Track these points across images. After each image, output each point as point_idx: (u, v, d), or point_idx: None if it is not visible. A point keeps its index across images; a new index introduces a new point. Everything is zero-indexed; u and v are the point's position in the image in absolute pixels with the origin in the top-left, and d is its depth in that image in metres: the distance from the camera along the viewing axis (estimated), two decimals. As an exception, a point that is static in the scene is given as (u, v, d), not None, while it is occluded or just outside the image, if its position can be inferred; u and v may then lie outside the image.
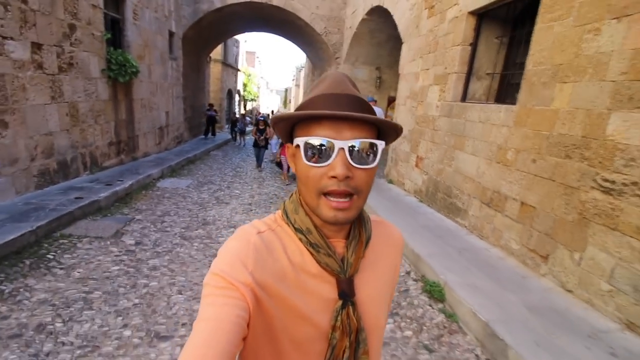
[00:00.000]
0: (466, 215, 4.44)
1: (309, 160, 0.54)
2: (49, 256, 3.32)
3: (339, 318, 0.58)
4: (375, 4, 8.60)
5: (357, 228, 0.64)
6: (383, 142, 0.57)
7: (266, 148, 9.06)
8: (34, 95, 4.55)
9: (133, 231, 4.14)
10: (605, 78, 2.66)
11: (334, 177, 0.53)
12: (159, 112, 8.93)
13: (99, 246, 3.64)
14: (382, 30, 10.15)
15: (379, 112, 8.46)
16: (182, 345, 2.27)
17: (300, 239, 0.60)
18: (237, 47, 23.87)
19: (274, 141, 9.63)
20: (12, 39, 4.17)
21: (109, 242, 3.76)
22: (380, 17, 9.03)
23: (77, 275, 3.04)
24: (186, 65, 11.06)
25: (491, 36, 4.68)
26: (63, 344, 2.22)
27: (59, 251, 3.44)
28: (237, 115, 18.58)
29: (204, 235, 4.21)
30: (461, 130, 4.62)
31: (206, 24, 11.44)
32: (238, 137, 14.69)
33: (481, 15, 4.58)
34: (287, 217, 0.62)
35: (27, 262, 3.16)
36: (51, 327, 2.37)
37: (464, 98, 4.86)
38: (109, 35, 6.20)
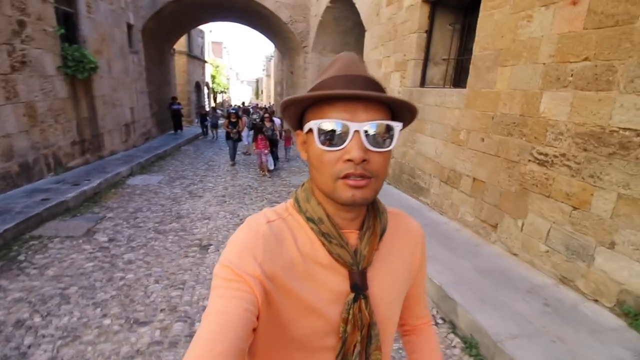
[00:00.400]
0: (428, 194, 4.75)
1: (322, 144, 0.53)
2: (19, 258, 3.31)
3: (350, 311, 0.57)
4: (338, -8, 8.68)
5: (372, 219, 0.62)
6: (400, 124, 0.55)
7: (240, 140, 8.98)
8: (-13, 96, 4.38)
9: (105, 229, 4.15)
10: (537, 61, 2.95)
11: (349, 160, 0.51)
12: (123, 109, 8.69)
13: (71, 245, 3.65)
14: (348, 17, 10.25)
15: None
16: (161, 329, 2.42)
17: (311, 229, 0.59)
18: (203, 37, 23.18)
19: (245, 133, 9.63)
20: (-43, 37, 3.99)
21: (81, 241, 3.77)
22: (345, 4, 9.11)
23: (51, 273, 3.08)
24: (148, 59, 10.72)
25: (445, 23, 4.93)
26: (43, 336, 2.30)
27: (29, 252, 3.43)
28: (207, 109, 18.25)
29: (178, 228, 4.29)
30: (420, 114, 4.89)
31: (167, 14, 11.09)
32: (210, 131, 14.44)
33: (434, 3, 4.82)
34: (299, 205, 0.61)
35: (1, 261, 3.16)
36: (30, 322, 2.43)
37: (422, 83, 5.12)
38: (62, 31, 5.95)
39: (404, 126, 0.59)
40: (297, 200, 0.62)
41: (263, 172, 7.59)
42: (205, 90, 25.55)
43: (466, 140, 3.90)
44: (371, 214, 0.62)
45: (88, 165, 6.71)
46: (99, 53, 7.20)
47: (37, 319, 2.47)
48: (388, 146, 0.54)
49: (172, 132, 13.47)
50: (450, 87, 4.52)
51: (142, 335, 2.34)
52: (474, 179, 3.78)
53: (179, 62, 17.68)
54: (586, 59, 2.54)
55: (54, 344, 2.24)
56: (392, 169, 5.93)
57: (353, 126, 0.51)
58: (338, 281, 0.58)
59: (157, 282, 3.02)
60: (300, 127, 0.61)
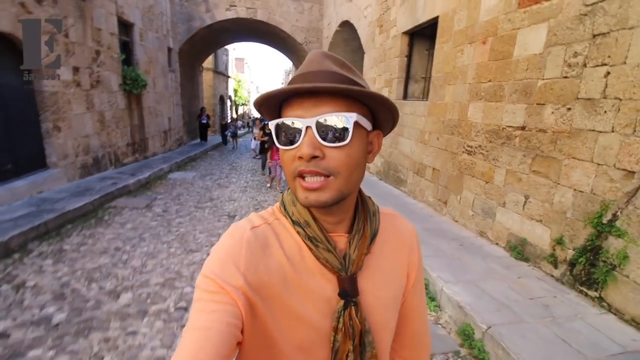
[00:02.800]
0: (406, 184, 5.96)
1: (281, 144, 0.52)
2: (105, 218, 4.76)
3: (340, 319, 0.55)
4: (344, 19, 10.14)
5: (361, 221, 0.60)
6: (354, 114, 0.50)
7: None
8: (76, 107, 5.97)
9: (159, 204, 5.58)
10: (466, 82, 4.19)
11: (301, 157, 0.49)
12: (163, 118, 10.34)
13: (138, 213, 5.08)
14: (355, 39, 11.62)
15: None
16: (207, 254, 3.74)
17: (298, 233, 0.57)
18: (227, 55, 25.29)
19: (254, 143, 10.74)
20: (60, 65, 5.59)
21: (144, 210, 5.20)
22: (351, 28, 10.51)
23: (129, 226, 4.49)
24: (182, 76, 12.46)
25: (422, 49, 6.20)
26: (133, 256, 3.66)
27: (111, 215, 4.88)
28: (229, 120, 19.96)
29: (211, 206, 5.67)
30: (401, 121, 6.14)
31: (198, 38, 12.87)
32: (231, 140, 15.75)
33: (412, 34, 6.11)
34: (285, 209, 0.59)
35: (93, 221, 4.60)
36: (123, 249, 3.81)
37: (404, 97, 6.38)
38: (123, 56, 7.62)
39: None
40: (283, 203, 0.61)
41: (270, 183, 7.32)
42: (228, 103, 27.54)
43: (429, 139, 5.12)
44: (361, 216, 0.60)
45: (137, 162, 8.28)
46: (147, 72, 8.86)
47: (127, 247, 3.85)
48: (343, 140, 0.50)
49: (198, 141, 14.83)
50: (420, 100, 5.76)
51: (195, 256, 3.68)
52: (433, 169, 4.98)
53: (206, 78, 19.60)
54: (490, 80, 3.76)
55: (141, 259, 3.60)
56: (383, 167, 7.16)
57: (304, 122, 0.49)
58: (327, 288, 0.56)
59: (201, 233, 4.38)
60: None
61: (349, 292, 0.56)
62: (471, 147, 4.10)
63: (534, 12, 3.15)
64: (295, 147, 0.51)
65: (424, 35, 6.07)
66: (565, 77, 2.84)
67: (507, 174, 3.52)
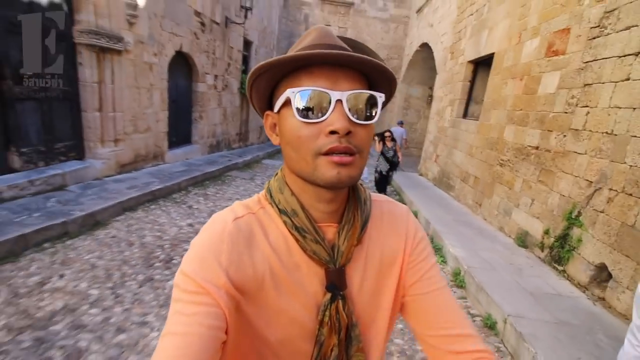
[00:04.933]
0: (454, 189, 7.04)
1: (302, 116, 0.48)
2: (227, 181, 6.89)
3: (326, 313, 0.54)
4: (424, 41, 11.33)
5: (352, 211, 0.58)
6: (382, 95, 0.51)
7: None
8: (212, 103, 8.35)
9: (258, 179, 7.61)
10: (506, 108, 5.25)
11: (333, 132, 0.47)
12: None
13: (246, 181, 7.14)
14: (432, 58, 12.69)
15: (402, 132, 9.22)
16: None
17: (284, 222, 0.55)
18: (316, 63, 27.84)
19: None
20: (208, 74, 7.98)
21: (249, 180, 7.25)
22: (429, 49, 11.64)
23: (242, 188, 6.52)
24: (280, 82, 14.86)
25: (484, 75, 7.21)
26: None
27: (229, 180, 7.01)
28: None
29: (295, 185, 7.50)
30: (457, 136, 7.24)
31: (297, 51, 15.19)
32: None
33: (477, 63, 7.17)
34: (271, 197, 0.58)
35: (219, 181, 6.75)
36: (241, 199, 5.73)
37: (464, 116, 7.44)
38: (243, 67, 9.99)
39: (387, 101, 0.54)
40: (269, 191, 0.59)
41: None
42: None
43: (475, 153, 6.19)
44: (352, 205, 0.58)
45: (241, 149, 10.65)
46: (256, 79, 11.23)
47: (244, 199, 5.78)
48: (372, 119, 0.50)
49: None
50: (475, 120, 6.80)
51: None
52: (475, 177, 6.05)
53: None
54: (521, 109, 4.82)
55: (252, 208, 5.48)
56: (439, 174, 8.25)
57: (334, 95, 0.47)
58: (313, 281, 0.55)
59: (288, 199, 6.18)
60: (270, 107, 0.56)
61: (337, 285, 0.55)
62: (503, 160, 5.15)
63: (553, 61, 4.20)
64: (323, 121, 0.48)
65: (486, 64, 7.09)
66: (565, 113, 3.88)
67: (523, 183, 4.56)
